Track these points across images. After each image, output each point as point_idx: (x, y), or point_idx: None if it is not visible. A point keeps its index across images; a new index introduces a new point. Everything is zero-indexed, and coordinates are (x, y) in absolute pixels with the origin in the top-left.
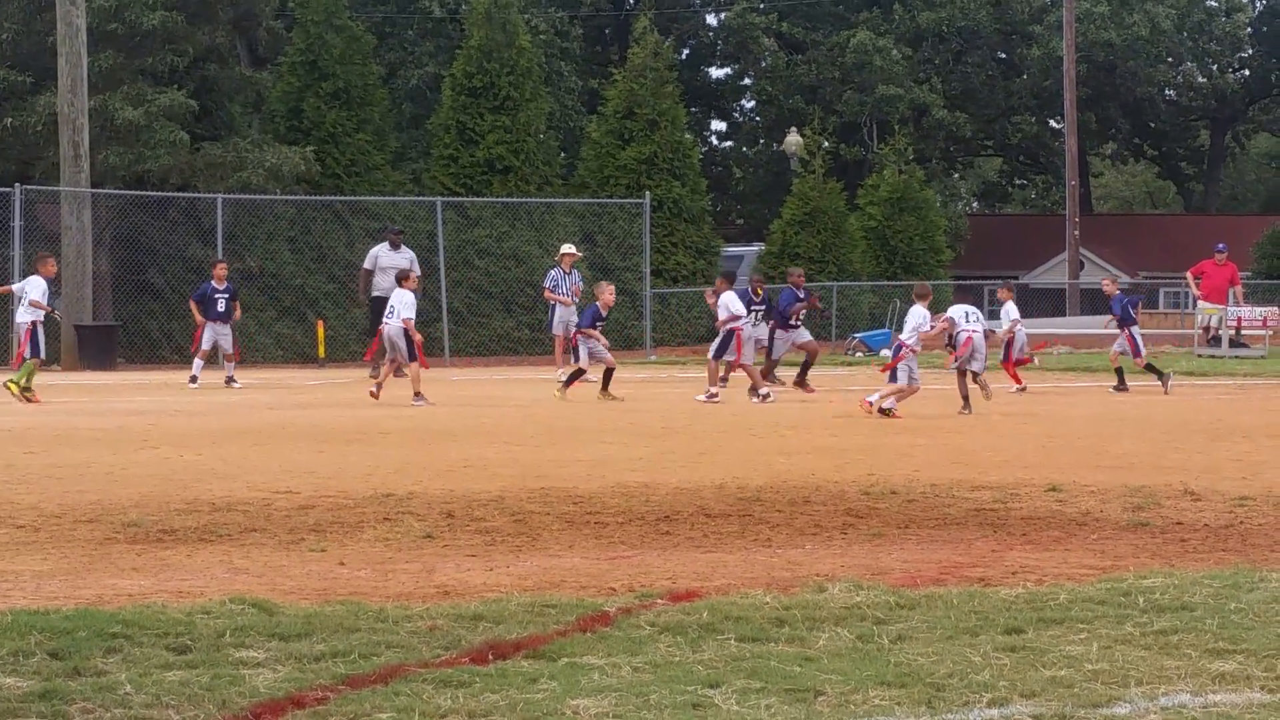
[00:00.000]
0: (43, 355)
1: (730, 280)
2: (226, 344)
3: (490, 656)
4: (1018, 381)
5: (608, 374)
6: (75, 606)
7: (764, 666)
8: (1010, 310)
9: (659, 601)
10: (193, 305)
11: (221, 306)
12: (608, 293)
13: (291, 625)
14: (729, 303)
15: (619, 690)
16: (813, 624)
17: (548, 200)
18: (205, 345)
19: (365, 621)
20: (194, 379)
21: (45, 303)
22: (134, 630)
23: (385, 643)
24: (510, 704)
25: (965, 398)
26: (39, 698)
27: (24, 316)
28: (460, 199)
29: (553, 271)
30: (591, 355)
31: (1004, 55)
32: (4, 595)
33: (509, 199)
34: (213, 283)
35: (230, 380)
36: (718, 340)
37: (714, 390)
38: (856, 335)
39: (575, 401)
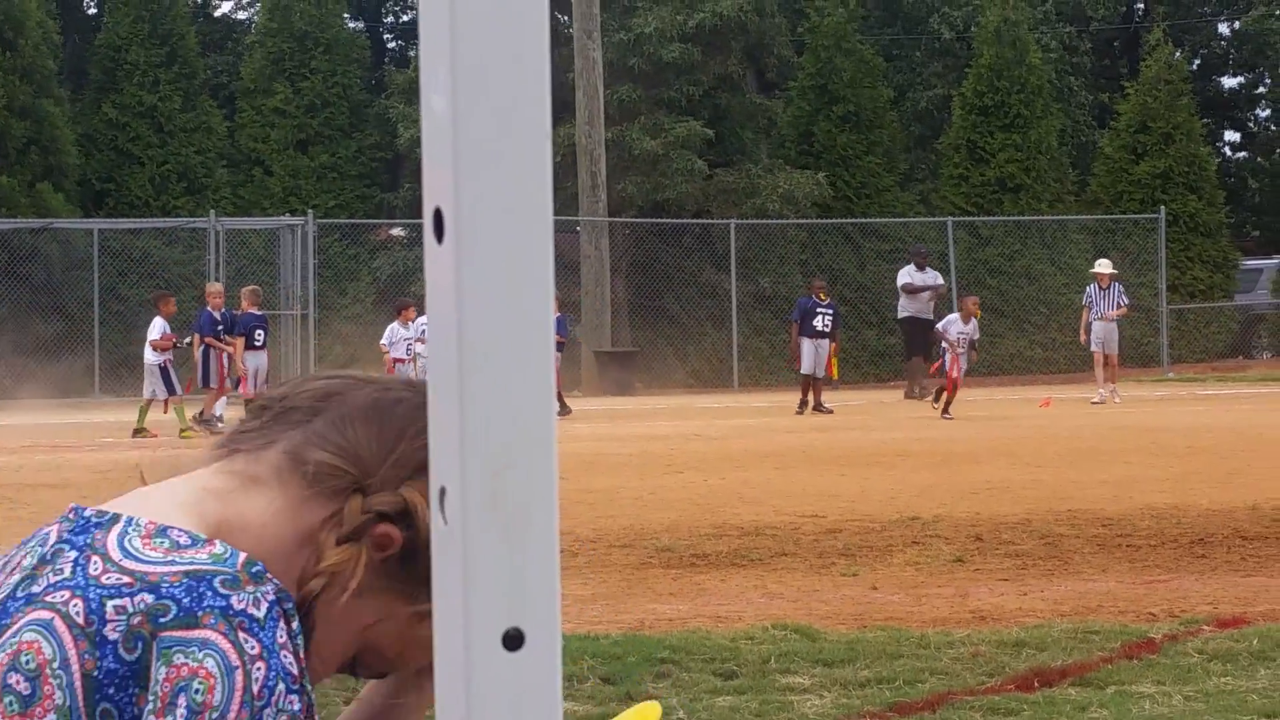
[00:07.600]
0: (179, 392)
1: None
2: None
3: (1036, 684)
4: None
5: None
6: (621, 632)
7: None
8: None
9: (1205, 628)
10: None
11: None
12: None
13: (834, 651)
14: None
15: None
16: None
17: (1059, 218)
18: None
19: (907, 647)
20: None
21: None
22: (681, 655)
23: (929, 669)
24: None
25: None
26: None
27: (152, 359)
28: (971, 218)
29: (1090, 288)
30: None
31: None
32: None
33: (1020, 217)
34: (814, 297)
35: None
36: None
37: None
38: None
39: (1081, 420)
